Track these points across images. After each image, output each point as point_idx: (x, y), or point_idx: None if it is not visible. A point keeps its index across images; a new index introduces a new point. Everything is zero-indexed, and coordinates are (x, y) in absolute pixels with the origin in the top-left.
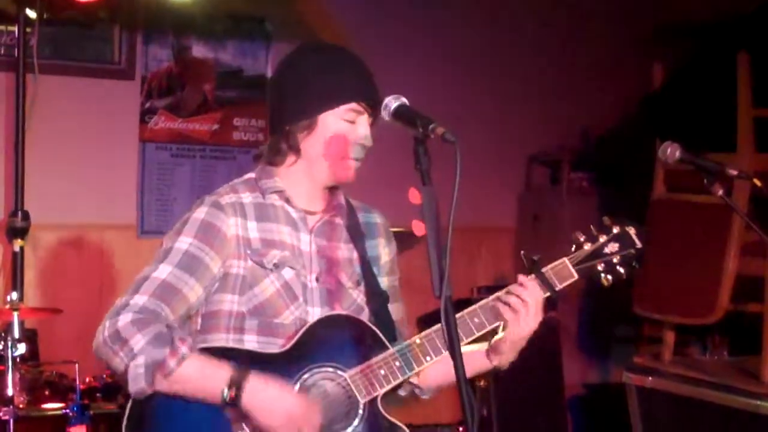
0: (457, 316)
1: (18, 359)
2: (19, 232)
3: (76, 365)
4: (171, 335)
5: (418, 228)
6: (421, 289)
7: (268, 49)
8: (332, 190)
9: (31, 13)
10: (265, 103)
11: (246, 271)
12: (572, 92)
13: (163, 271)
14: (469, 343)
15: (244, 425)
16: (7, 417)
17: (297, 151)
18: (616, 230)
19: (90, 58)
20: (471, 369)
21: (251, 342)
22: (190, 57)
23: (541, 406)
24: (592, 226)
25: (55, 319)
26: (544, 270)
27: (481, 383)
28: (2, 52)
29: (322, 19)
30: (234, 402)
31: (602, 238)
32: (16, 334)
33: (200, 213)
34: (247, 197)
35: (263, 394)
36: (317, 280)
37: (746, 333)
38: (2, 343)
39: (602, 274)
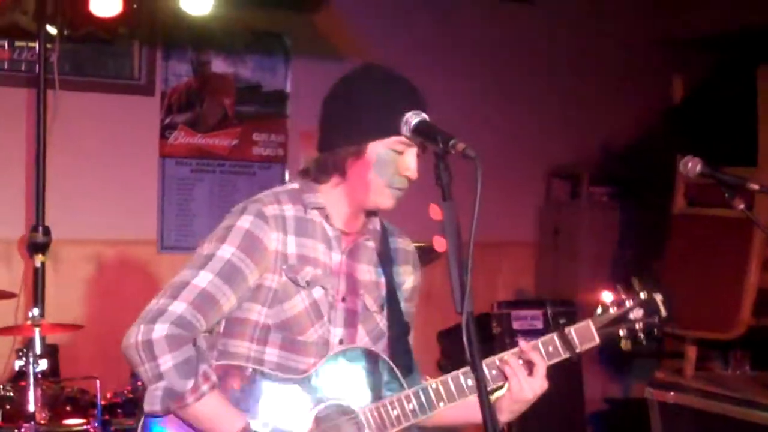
0: (462, 371)
1: (39, 375)
2: (40, 247)
3: (98, 381)
4: (197, 364)
5: (440, 244)
6: (442, 304)
7: (287, 64)
8: (369, 213)
9: (52, 30)
10: (283, 119)
11: (279, 285)
12: (592, 106)
13: (204, 279)
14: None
15: None
16: None
17: (343, 173)
18: (643, 296)
19: (110, 74)
20: (472, 415)
21: (272, 355)
22: (210, 72)
23: (562, 421)
24: (619, 287)
25: (76, 335)
26: (566, 330)
27: None
28: (23, 68)
29: (341, 34)
30: None
31: (628, 303)
32: (38, 350)
33: (245, 222)
34: (289, 210)
35: None
36: (343, 300)
37: None
38: (24, 359)
39: (623, 339)
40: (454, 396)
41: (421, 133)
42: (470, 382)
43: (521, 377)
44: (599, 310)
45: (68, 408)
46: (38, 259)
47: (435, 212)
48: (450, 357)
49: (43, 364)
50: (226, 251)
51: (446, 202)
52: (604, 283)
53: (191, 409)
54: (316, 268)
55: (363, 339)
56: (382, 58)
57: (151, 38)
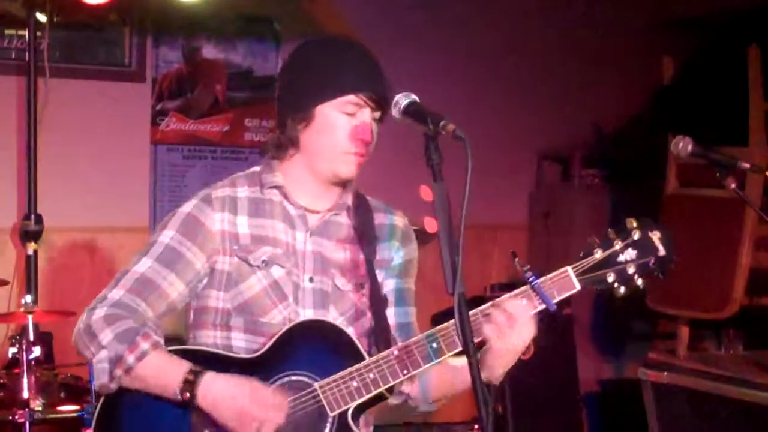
0: (426, 335)
1: (33, 362)
2: (32, 235)
3: (90, 366)
4: (137, 331)
5: (431, 225)
6: (435, 287)
7: (277, 50)
8: (344, 187)
9: (42, 17)
10: (275, 104)
11: (231, 267)
12: (582, 88)
13: (143, 265)
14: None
15: (204, 429)
16: (23, 420)
17: (296, 144)
18: (636, 236)
19: (100, 61)
20: (461, 382)
21: (238, 340)
22: (201, 58)
23: (556, 403)
24: (610, 230)
25: (68, 322)
26: (541, 280)
27: None
28: (13, 56)
29: (332, 18)
30: (188, 402)
31: (617, 245)
32: (31, 337)
33: (187, 207)
34: (243, 191)
35: (217, 391)
36: (311, 280)
37: (761, 327)
38: (17, 346)
39: (614, 285)
40: (418, 363)
41: (410, 114)
42: (435, 345)
43: (503, 330)
44: (582, 254)
45: (62, 394)
46: (30, 247)
47: (426, 193)
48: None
49: (37, 351)
50: (166, 236)
51: (437, 183)
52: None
53: (135, 371)
54: (275, 247)
55: (336, 320)
56: (371, 41)
57: (142, 25)
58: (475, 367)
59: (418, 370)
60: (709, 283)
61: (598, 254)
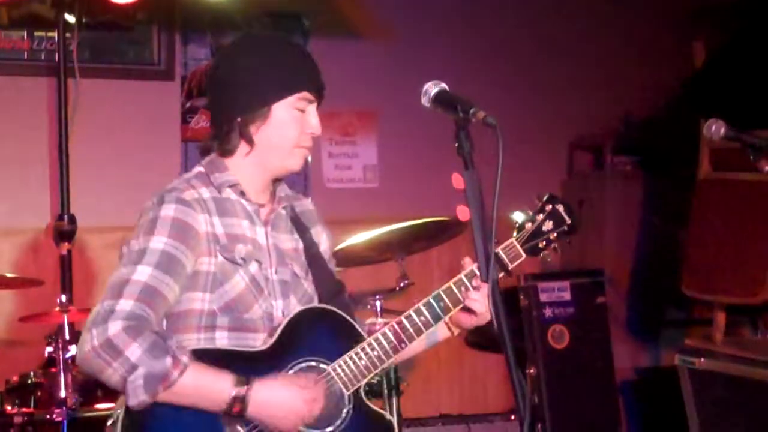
0: (414, 309)
1: (69, 361)
2: (66, 235)
3: None
4: (166, 344)
5: (463, 213)
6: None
7: (305, 45)
8: (275, 181)
9: (70, 18)
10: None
11: (216, 267)
12: (612, 76)
13: (143, 273)
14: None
15: (238, 427)
16: (60, 418)
17: (250, 142)
18: (548, 209)
19: (129, 61)
20: (432, 340)
21: (222, 339)
22: None
23: (593, 392)
24: (527, 208)
25: None
26: (497, 251)
27: (531, 371)
28: (43, 57)
29: (359, 14)
30: (239, 414)
31: (538, 217)
32: (67, 336)
33: (168, 211)
34: (205, 192)
35: (266, 399)
36: (276, 272)
37: None
38: (53, 345)
39: (544, 251)
40: (413, 336)
41: (440, 102)
42: (441, 304)
43: (486, 307)
44: (516, 230)
45: (99, 392)
46: (65, 247)
47: (457, 181)
48: (478, 331)
49: (73, 350)
50: (158, 242)
51: (468, 171)
52: (630, 252)
53: (177, 385)
54: (246, 244)
55: (296, 308)
56: (399, 36)
57: (170, 23)
58: (511, 359)
59: (414, 342)
60: (744, 267)
61: (528, 226)
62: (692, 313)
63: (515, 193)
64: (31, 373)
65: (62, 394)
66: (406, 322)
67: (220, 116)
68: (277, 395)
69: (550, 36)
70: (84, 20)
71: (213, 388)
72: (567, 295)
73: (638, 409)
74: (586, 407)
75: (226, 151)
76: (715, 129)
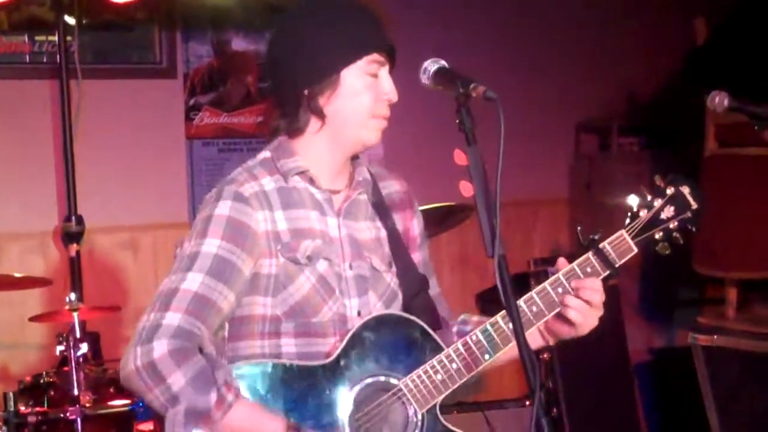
0: (491, 321)
1: (81, 359)
2: (74, 236)
3: None
4: (213, 374)
5: (466, 189)
6: (478, 267)
7: None
8: (354, 162)
9: (70, 20)
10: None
11: (278, 269)
12: (615, 56)
13: (193, 282)
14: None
15: None
16: (74, 416)
17: (321, 115)
18: (670, 191)
19: (131, 60)
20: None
21: (289, 346)
22: (231, 51)
23: (607, 375)
24: (645, 190)
25: (115, 320)
26: (601, 246)
27: (545, 356)
28: (45, 60)
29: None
30: None
31: (657, 203)
32: (78, 334)
33: (224, 209)
34: (268, 183)
35: None
36: (350, 267)
37: None
38: (64, 344)
39: (660, 243)
40: (499, 345)
41: (440, 79)
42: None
43: (586, 314)
44: (629, 218)
45: (111, 390)
46: (73, 248)
47: (460, 158)
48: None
49: (84, 348)
50: (211, 245)
51: (471, 147)
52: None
53: (220, 425)
54: (314, 239)
55: (375, 305)
56: (404, 11)
57: (170, 21)
58: (519, 330)
59: (499, 353)
60: (755, 241)
61: (643, 214)
62: (705, 293)
63: (523, 177)
64: (44, 373)
65: (75, 392)
66: (491, 329)
67: (284, 92)
68: None
69: (554, 18)
70: (84, 21)
71: (260, 430)
72: None
73: (653, 390)
74: (601, 390)
75: (296, 130)
76: (719, 100)
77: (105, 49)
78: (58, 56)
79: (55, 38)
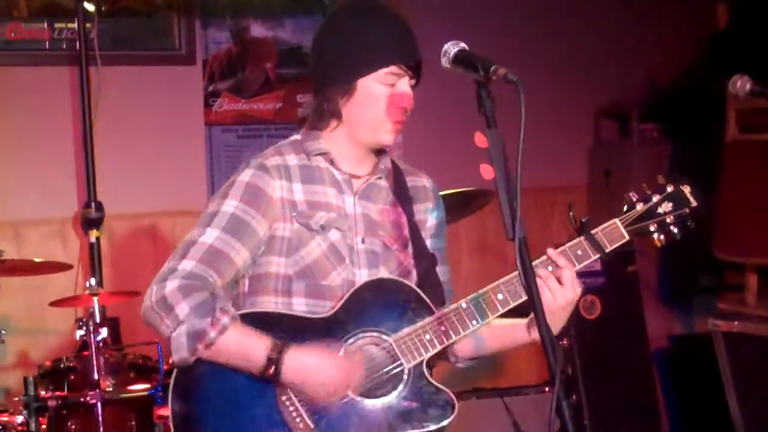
0: (480, 292)
1: (101, 343)
2: (93, 223)
3: (158, 346)
4: (214, 304)
5: (487, 171)
6: (498, 254)
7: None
8: (379, 152)
9: (90, 7)
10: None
11: (292, 233)
12: (636, 42)
13: (210, 236)
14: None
15: (290, 392)
16: (94, 400)
17: (338, 116)
18: (670, 189)
19: (150, 46)
20: (511, 341)
21: (300, 305)
22: (249, 37)
23: (627, 362)
24: (645, 185)
25: (134, 303)
26: (593, 231)
27: (564, 342)
28: (64, 47)
29: None
30: (273, 378)
31: (655, 198)
32: (97, 319)
33: (246, 176)
34: (292, 159)
35: (300, 365)
36: (363, 241)
37: None
38: (84, 328)
39: (654, 235)
40: (486, 314)
41: (460, 62)
42: (500, 296)
43: (551, 286)
44: (625, 208)
45: (131, 374)
46: (93, 234)
47: (480, 140)
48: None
49: (104, 333)
50: (230, 205)
51: (491, 129)
52: None
53: (217, 346)
54: (329, 212)
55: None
56: (420, 9)
57: (189, 7)
58: (541, 316)
59: (486, 321)
60: None
61: (639, 207)
62: (725, 279)
63: (543, 164)
64: (64, 358)
65: (95, 376)
66: (480, 298)
67: (316, 87)
68: (312, 362)
69: (574, 4)
70: (103, 8)
71: (250, 349)
72: (597, 265)
73: (673, 377)
74: (621, 377)
75: (319, 124)
76: (741, 85)
77: (124, 35)
78: (77, 43)
79: (75, 25)
